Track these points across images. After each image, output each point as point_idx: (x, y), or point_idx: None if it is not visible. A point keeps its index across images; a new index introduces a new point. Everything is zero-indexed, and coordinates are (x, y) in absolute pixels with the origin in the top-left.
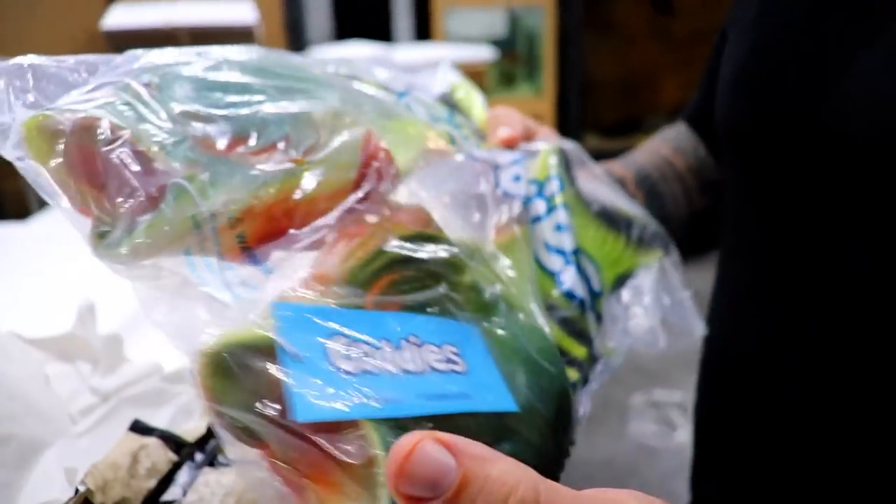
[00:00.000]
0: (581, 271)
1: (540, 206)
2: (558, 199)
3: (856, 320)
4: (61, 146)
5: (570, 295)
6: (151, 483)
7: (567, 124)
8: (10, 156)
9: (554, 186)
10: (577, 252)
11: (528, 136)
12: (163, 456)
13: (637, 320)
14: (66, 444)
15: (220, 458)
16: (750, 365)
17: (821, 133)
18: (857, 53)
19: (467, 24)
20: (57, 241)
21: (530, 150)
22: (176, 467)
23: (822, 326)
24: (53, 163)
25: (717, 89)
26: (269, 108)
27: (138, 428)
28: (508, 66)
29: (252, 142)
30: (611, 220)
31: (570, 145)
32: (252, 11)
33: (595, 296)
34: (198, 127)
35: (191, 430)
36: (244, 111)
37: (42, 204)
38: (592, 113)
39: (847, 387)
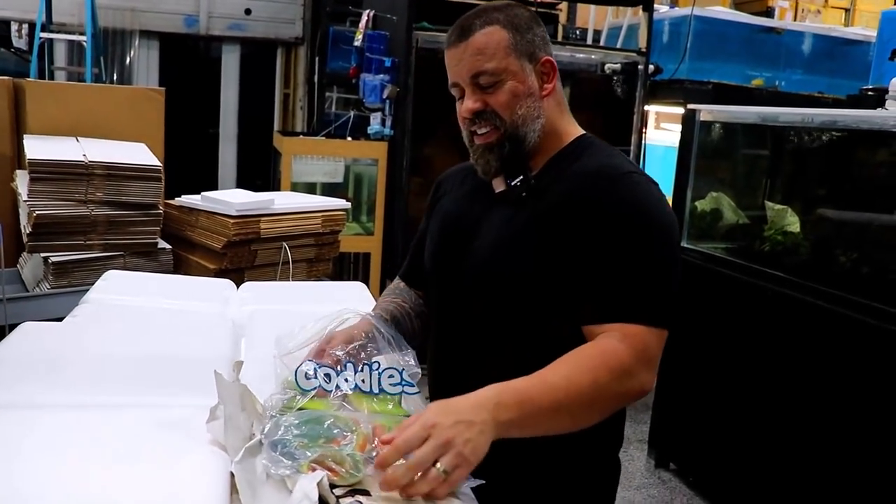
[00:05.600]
0: None
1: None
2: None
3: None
4: None
5: None
6: None
7: (393, 259)
8: None
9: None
10: None
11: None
12: None
13: None
14: None
15: None
16: (444, 383)
17: (460, 271)
18: (482, 225)
19: (310, 170)
20: None
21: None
22: None
23: (469, 362)
24: None
25: (424, 255)
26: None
27: None
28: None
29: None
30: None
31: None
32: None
33: None
34: None
35: None
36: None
37: None
38: None
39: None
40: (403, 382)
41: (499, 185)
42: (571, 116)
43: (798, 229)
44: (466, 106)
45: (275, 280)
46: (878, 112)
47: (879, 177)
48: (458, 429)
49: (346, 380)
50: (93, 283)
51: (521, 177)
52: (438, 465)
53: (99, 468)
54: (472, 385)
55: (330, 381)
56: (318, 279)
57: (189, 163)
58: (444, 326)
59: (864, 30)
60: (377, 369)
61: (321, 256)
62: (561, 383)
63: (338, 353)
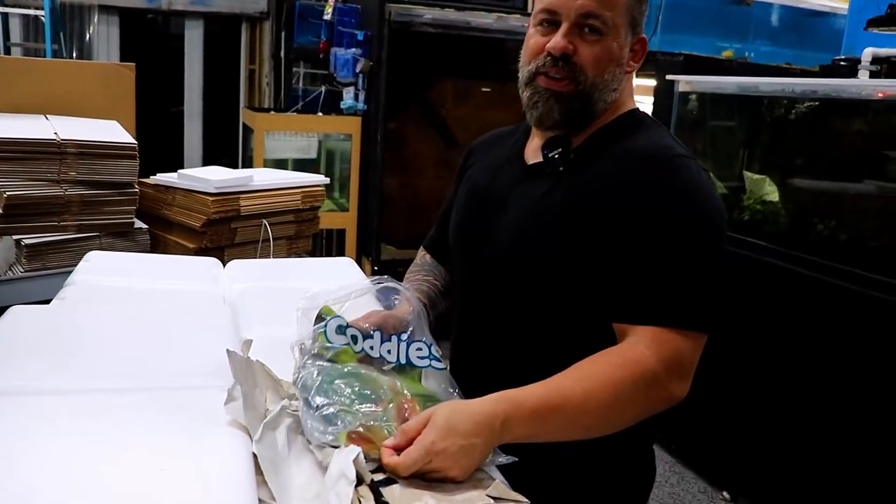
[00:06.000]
0: None
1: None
2: None
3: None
4: None
5: None
6: None
7: (368, 236)
8: None
9: None
10: None
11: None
12: None
13: None
14: None
15: None
16: (464, 364)
17: (485, 248)
18: (511, 198)
19: (283, 147)
20: None
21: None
22: None
23: (490, 345)
24: None
25: (449, 223)
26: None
27: None
28: None
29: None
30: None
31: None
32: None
33: None
34: None
35: None
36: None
37: None
38: (388, 227)
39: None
40: (431, 356)
41: (533, 156)
42: (633, 94)
43: (777, 198)
44: (557, 42)
45: (255, 258)
46: (855, 81)
47: (856, 145)
48: (457, 456)
49: (372, 347)
50: (68, 266)
51: (561, 149)
52: None
53: (117, 455)
54: (492, 367)
55: (356, 342)
56: (299, 256)
57: (153, 142)
58: (467, 303)
59: (830, 1)
60: (405, 339)
61: (301, 233)
62: (578, 397)
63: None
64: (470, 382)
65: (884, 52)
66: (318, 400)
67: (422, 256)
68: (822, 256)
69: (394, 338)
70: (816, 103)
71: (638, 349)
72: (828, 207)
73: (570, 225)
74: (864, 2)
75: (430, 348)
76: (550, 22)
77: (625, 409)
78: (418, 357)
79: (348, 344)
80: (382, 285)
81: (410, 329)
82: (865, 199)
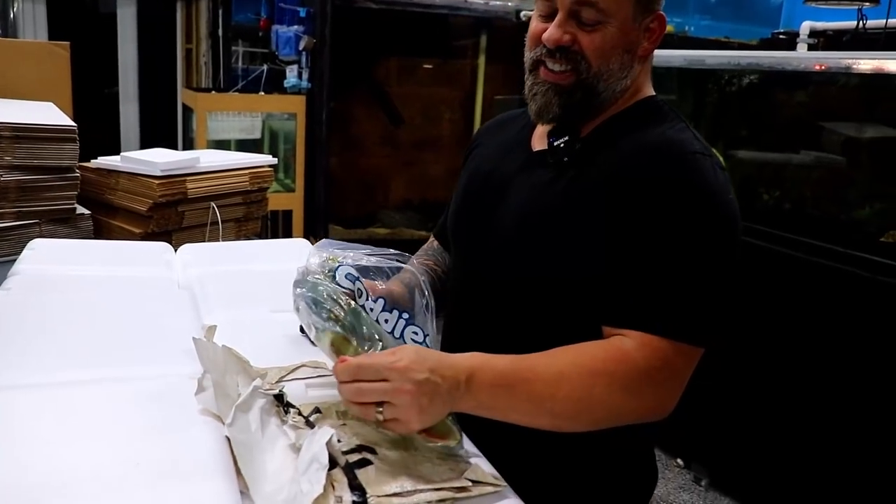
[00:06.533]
0: None
1: None
2: None
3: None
4: None
5: None
6: None
7: (315, 217)
8: None
9: None
10: None
11: None
12: None
13: None
14: None
15: None
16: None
17: (482, 237)
18: (512, 187)
19: (225, 127)
20: None
21: None
22: None
23: (480, 337)
24: None
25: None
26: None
27: None
28: None
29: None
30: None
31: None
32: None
33: None
34: None
35: None
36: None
37: None
38: (336, 207)
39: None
40: (425, 344)
41: (539, 143)
42: (650, 78)
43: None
44: (552, 34)
45: (204, 241)
46: (796, 53)
47: (798, 116)
48: (421, 388)
49: (372, 309)
50: (7, 255)
51: (567, 137)
52: (380, 409)
53: (88, 452)
54: None
55: (360, 297)
56: (248, 238)
57: (88, 124)
58: (461, 292)
59: None
60: (406, 318)
61: (250, 215)
62: (550, 379)
63: (379, 285)
64: None
65: (820, 25)
66: (321, 290)
67: (430, 243)
68: (769, 225)
69: (395, 311)
70: (759, 76)
71: (625, 349)
72: (772, 177)
73: (570, 220)
74: None
75: (425, 337)
76: (547, 8)
77: (598, 406)
78: (412, 339)
79: (353, 291)
80: (398, 265)
81: (412, 311)
82: (806, 169)
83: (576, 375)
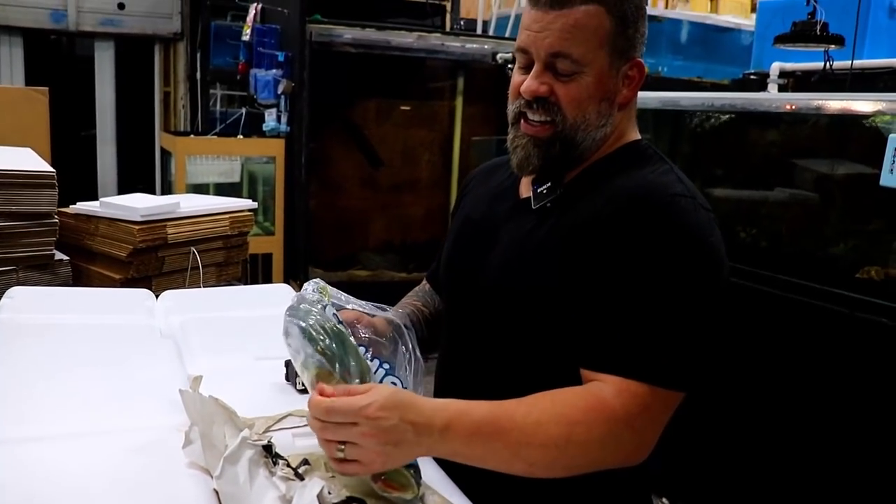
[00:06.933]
0: None
1: None
2: None
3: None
4: None
5: None
6: None
7: (295, 259)
8: None
9: None
10: None
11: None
12: None
13: None
14: None
15: None
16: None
17: (473, 282)
18: (501, 232)
19: (204, 171)
20: None
21: None
22: None
23: (473, 380)
24: None
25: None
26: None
27: None
28: None
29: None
30: None
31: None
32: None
33: None
34: None
35: None
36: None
37: None
38: (316, 250)
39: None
40: None
41: (526, 189)
42: (635, 122)
43: None
44: (529, 86)
45: (184, 287)
46: (768, 94)
47: (773, 154)
48: (388, 435)
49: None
50: None
51: (549, 184)
52: (341, 447)
53: None
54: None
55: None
56: (229, 283)
57: (65, 168)
58: (454, 336)
59: (735, 18)
60: (387, 368)
61: (230, 259)
62: (528, 428)
63: (361, 333)
64: None
65: (790, 66)
66: (312, 321)
67: (422, 285)
68: (745, 263)
69: (376, 360)
70: (732, 116)
71: (603, 397)
72: (748, 215)
73: (549, 266)
74: (769, 18)
75: (403, 389)
76: (525, 59)
77: (575, 455)
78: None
79: (343, 323)
80: (387, 315)
81: (394, 363)
82: (781, 206)
83: (553, 425)
